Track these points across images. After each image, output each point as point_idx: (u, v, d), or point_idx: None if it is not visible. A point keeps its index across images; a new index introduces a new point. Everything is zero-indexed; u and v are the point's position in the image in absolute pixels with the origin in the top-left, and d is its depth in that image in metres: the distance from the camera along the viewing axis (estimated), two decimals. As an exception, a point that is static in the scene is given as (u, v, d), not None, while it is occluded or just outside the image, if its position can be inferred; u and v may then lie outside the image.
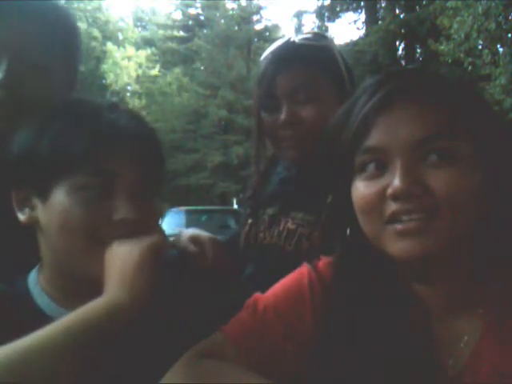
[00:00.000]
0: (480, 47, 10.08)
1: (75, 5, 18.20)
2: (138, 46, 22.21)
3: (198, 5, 25.96)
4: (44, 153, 0.76)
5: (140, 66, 21.28)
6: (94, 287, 0.72)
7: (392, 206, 0.65)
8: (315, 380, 0.72)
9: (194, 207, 10.96)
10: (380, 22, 16.87)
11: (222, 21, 24.43)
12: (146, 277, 0.71)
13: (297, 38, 1.19)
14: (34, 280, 0.83)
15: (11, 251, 0.87)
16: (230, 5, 25.56)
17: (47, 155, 0.76)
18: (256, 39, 25.24)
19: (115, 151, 0.77)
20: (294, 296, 0.78)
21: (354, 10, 18.86)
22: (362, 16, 18.77)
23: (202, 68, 24.03)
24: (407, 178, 0.64)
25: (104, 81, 20.13)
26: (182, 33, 25.70)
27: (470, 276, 0.70)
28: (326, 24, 19.23)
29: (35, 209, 0.79)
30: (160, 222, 1.00)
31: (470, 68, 10.22)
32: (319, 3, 19.08)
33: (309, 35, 1.21)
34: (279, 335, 0.75)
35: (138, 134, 0.81)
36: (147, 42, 23.77)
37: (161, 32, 25.26)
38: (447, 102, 0.67)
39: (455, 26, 9.76)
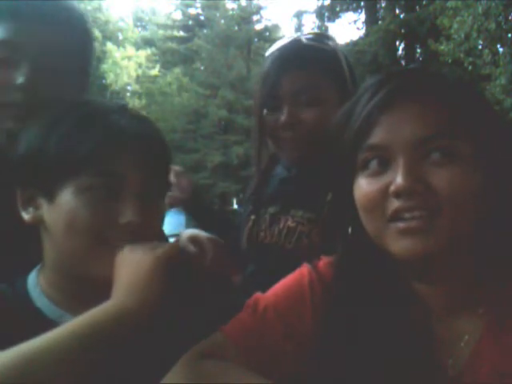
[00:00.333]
0: (480, 47, 10.09)
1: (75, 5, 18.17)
2: (137, 46, 22.22)
3: (198, 5, 25.95)
4: (51, 153, 0.76)
5: (140, 65, 21.29)
6: (95, 290, 0.73)
7: (394, 204, 0.65)
8: (315, 380, 0.72)
9: (194, 207, 10.91)
10: (380, 22, 16.86)
11: (222, 21, 24.42)
12: (156, 285, 0.71)
13: (304, 38, 1.19)
14: (34, 281, 0.82)
15: (12, 251, 0.87)
16: (230, 5, 25.61)
17: (54, 155, 0.76)
18: (256, 39, 25.24)
19: (122, 153, 0.77)
20: (295, 296, 0.78)
21: (354, 10, 18.84)
22: (362, 16, 18.76)
23: (202, 68, 24.03)
24: (410, 175, 0.64)
25: (104, 81, 20.08)
26: (182, 33, 25.70)
27: (471, 276, 0.70)
28: (326, 24, 19.19)
29: (40, 208, 0.79)
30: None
31: (470, 68, 10.23)
32: (319, 3, 19.09)
33: (315, 36, 1.21)
34: (279, 335, 0.75)
35: (144, 136, 0.81)
36: (147, 42, 23.77)
37: (161, 32, 25.26)
38: (448, 101, 0.67)
39: (455, 25, 9.77)
